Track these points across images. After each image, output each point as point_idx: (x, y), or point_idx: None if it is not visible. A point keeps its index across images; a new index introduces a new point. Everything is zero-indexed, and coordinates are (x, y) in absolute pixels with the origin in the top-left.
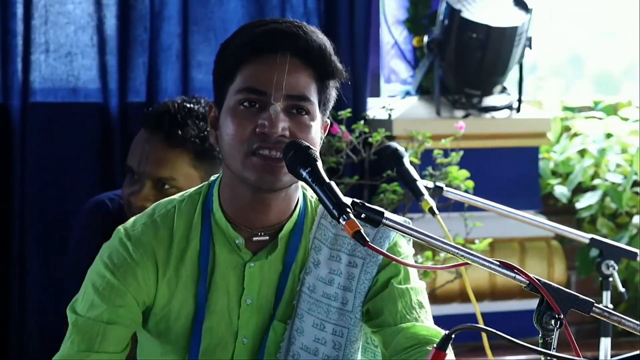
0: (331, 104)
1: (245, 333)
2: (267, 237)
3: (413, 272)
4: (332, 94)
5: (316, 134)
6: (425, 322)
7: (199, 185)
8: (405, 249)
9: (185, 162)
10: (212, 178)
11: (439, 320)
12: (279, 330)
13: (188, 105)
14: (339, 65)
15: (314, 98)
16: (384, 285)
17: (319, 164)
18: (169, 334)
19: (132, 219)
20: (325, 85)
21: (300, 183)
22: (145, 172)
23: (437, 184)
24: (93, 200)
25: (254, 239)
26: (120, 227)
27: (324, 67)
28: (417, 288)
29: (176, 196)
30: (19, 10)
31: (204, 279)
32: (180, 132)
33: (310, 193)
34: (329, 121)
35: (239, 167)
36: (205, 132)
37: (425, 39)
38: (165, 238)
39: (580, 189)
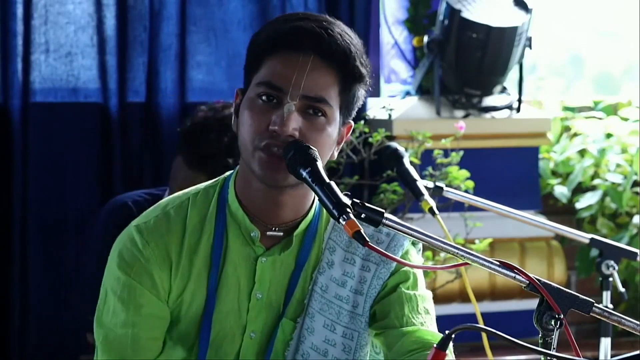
0: (357, 106)
1: (253, 328)
2: (282, 233)
3: (421, 281)
4: (359, 97)
5: (329, 137)
6: (430, 327)
7: (215, 179)
8: (415, 258)
9: None
10: (228, 173)
11: (439, 320)
12: (287, 328)
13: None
14: (364, 70)
15: (334, 101)
16: (392, 289)
17: (319, 164)
18: (179, 324)
19: (144, 213)
20: (348, 88)
21: None
22: None
23: (437, 184)
24: (115, 201)
25: (268, 233)
26: (133, 222)
27: (347, 70)
28: (425, 296)
29: (191, 189)
30: (19, 10)
31: (215, 270)
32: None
33: None
34: (352, 123)
35: (249, 158)
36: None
37: (425, 39)
38: (178, 229)
39: (580, 189)
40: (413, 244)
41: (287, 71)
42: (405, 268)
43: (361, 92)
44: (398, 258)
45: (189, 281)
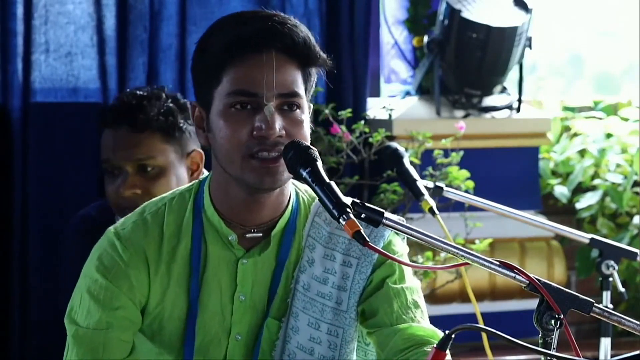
0: (313, 87)
1: (238, 330)
2: (261, 234)
3: (408, 271)
4: (314, 78)
5: (308, 127)
6: (421, 322)
7: (190, 183)
8: (400, 247)
9: (157, 140)
10: (202, 176)
11: (439, 320)
12: (272, 327)
13: (139, 92)
14: (323, 54)
15: (302, 90)
16: (378, 285)
17: (319, 164)
18: (162, 333)
19: (122, 219)
20: (308, 73)
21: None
22: (123, 160)
23: (437, 184)
24: (78, 215)
25: (247, 235)
26: (111, 227)
27: (310, 58)
28: (412, 287)
29: (167, 194)
30: (19, 10)
31: (195, 276)
32: (142, 116)
33: (303, 189)
34: (312, 105)
35: (238, 170)
36: (165, 109)
37: (425, 39)
38: (155, 236)
39: (580, 189)
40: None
41: (255, 74)
42: (390, 260)
43: (315, 72)
44: (397, 258)
45: (168, 288)
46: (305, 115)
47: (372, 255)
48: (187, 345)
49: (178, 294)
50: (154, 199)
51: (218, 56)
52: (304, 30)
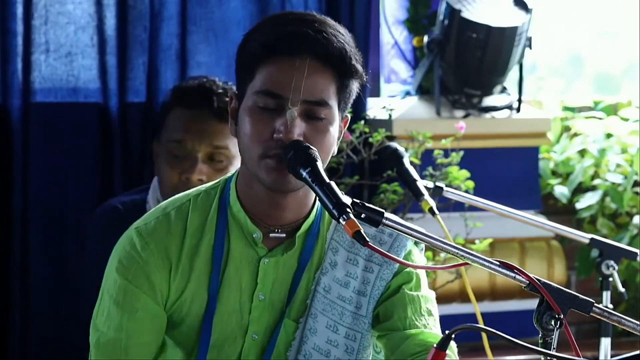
0: (352, 99)
1: (255, 329)
2: (284, 235)
3: (424, 281)
4: (353, 90)
5: (333, 138)
6: (433, 329)
7: (216, 180)
8: (418, 258)
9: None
10: (229, 175)
11: (439, 320)
12: (289, 328)
13: (218, 80)
14: (359, 68)
15: (333, 101)
16: (395, 290)
17: (319, 163)
18: (180, 326)
19: (145, 215)
20: (345, 85)
21: None
22: (197, 143)
23: (437, 184)
24: (103, 206)
25: (271, 235)
26: (133, 224)
27: (344, 69)
28: (428, 296)
29: (192, 191)
30: (19, 10)
31: (216, 272)
32: (223, 104)
33: None
34: (349, 115)
35: (254, 166)
36: None
37: (425, 39)
38: (178, 231)
39: (580, 189)
40: (415, 243)
41: (284, 77)
42: (409, 268)
43: (355, 85)
44: (398, 258)
45: (189, 283)
46: (332, 126)
47: (394, 263)
48: (203, 341)
49: (198, 290)
50: (177, 195)
51: (254, 53)
52: (342, 40)
